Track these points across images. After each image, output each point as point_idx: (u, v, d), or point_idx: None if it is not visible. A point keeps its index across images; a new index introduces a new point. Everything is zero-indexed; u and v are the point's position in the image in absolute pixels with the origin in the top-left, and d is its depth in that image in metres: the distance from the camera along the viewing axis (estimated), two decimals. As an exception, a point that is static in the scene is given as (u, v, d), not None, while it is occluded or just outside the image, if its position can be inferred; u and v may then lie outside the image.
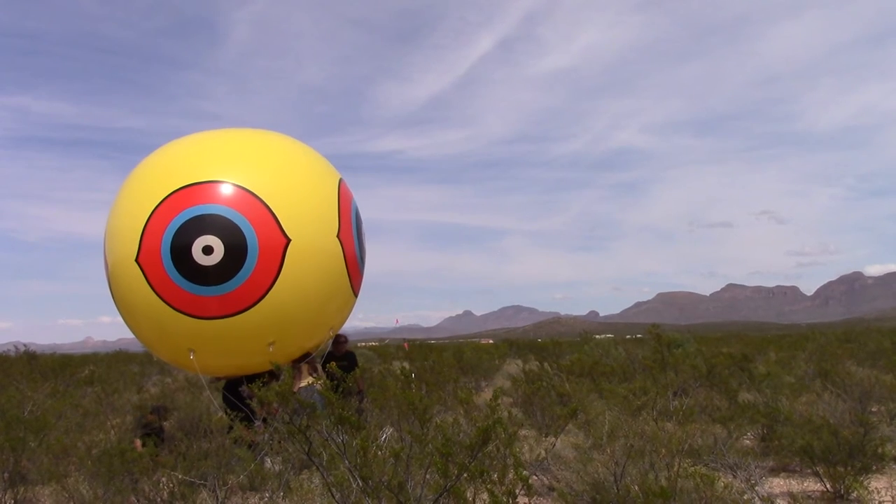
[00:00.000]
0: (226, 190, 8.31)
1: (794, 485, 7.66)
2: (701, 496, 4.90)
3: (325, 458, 4.96)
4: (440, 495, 4.41)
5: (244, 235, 8.10)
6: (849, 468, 6.97)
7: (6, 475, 7.17)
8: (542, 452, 7.66)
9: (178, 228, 8.03)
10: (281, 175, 9.05)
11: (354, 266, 9.52)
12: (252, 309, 8.24)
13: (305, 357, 9.52)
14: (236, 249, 8.05)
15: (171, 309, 8.21)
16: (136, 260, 8.18)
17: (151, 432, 8.61)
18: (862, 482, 6.76)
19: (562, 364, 14.84)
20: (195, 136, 9.52)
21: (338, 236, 9.02)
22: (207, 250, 7.95)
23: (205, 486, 6.49)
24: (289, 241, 8.34)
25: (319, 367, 9.69)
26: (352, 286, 9.60)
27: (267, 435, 7.67)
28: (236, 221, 8.13)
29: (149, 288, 8.18)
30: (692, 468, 5.43)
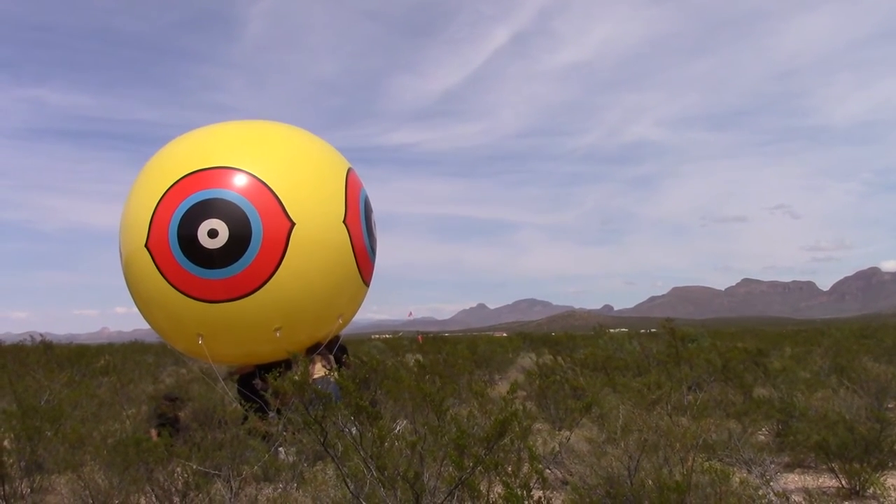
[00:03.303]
0: (231, 175, 8.50)
1: (810, 481, 7.63)
2: (716, 491, 4.87)
3: (339, 449, 4.97)
4: (455, 487, 4.41)
5: (248, 219, 8.27)
6: (865, 464, 6.93)
7: (23, 464, 7.21)
8: (556, 446, 7.65)
9: (185, 213, 8.25)
10: (286, 161, 9.23)
11: (363, 253, 9.52)
12: (258, 292, 8.38)
13: (316, 348, 9.53)
14: (241, 232, 8.22)
15: (178, 293, 8.40)
16: (146, 245, 8.41)
17: (167, 422, 8.67)
18: (878, 478, 6.73)
19: (576, 358, 14.81)
20: (205, 128, 9.72)
21: (344, 222, 9.06)
22: (213, 233, 8.15)
23: (219, 476, 6.52)
24: (293, 224, 8.47)
25: (332, 359, 9.69)
26: (361, 274, 9.60)
27: (281, 426, 7.71)
28: (241, 205, 8.31)
29: (158, 273, 8.40)
30: (707, 463, 5.41)
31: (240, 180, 8.47)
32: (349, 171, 9.82)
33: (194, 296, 8.38)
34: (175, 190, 8.43)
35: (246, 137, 9.49)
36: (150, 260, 8.41)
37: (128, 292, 9.30)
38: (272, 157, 9.10)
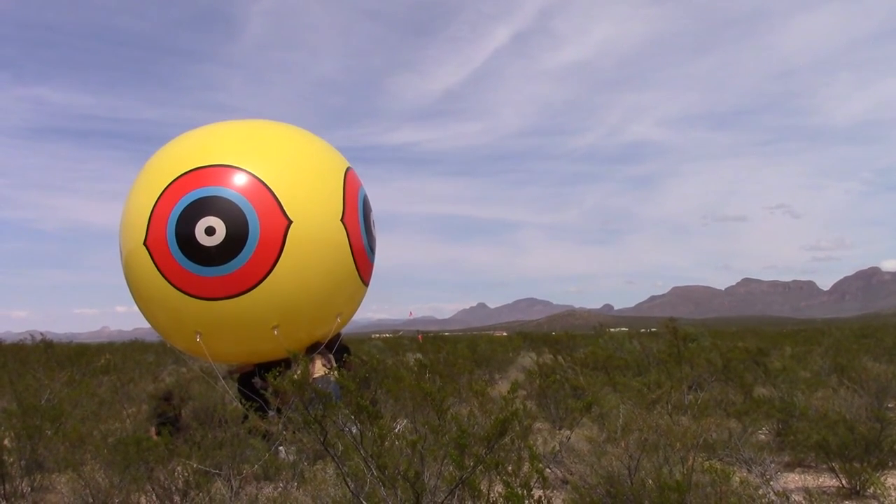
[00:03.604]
0: (228, 173, 8.52)
1: (810, 480, 7.63)
2: (716, 491, 4.87)
3: (340, 449, 4.97)
4: (455, 486, 4.40)
5: (245, 216, 8.30)
6: (865, 464, 6.93)
7: (23, 462, 7.22)
8: (556, 445, 7.65)
9: (182, 211, 8.29)
10: (284, 159, 9.24)
11: (361, 252, 9.53)
12: (255, 289, 8.40)
13: (316, 347, 9.53)
14: (238, 230, 8.25)
15: (176, 291, 8.42)
16: (144, 243, 8.45)
17: (167, 421, 8.68)
18: (878, 478, 6.72)
19: (576, 357, 14.80)
20: (204, 127, 9.74)
21: (342, 220, 9.08)
22: (210, 231, 8.18)
23: (219, 475, 6.52)
24: (290, 222, 8.48)
25: (332, 358, 9.69)
26: (359, 273, 9.61)
27: (281, 425, 7.71)
28: (238, 203, 8.34)
29: (156, 270, 8.43)
30: (707, 462, 5.41)
31: (237, 178, 8.49)
32: (348, 170, 9.83)
33: (192, 293, 8.40)
34: (173, 188, 8.47)
35: (244, 136, 9.50)
36: (149, 258, 8.44)
37: (128, 291, 9.32)
38: (270, 156, 9.12)
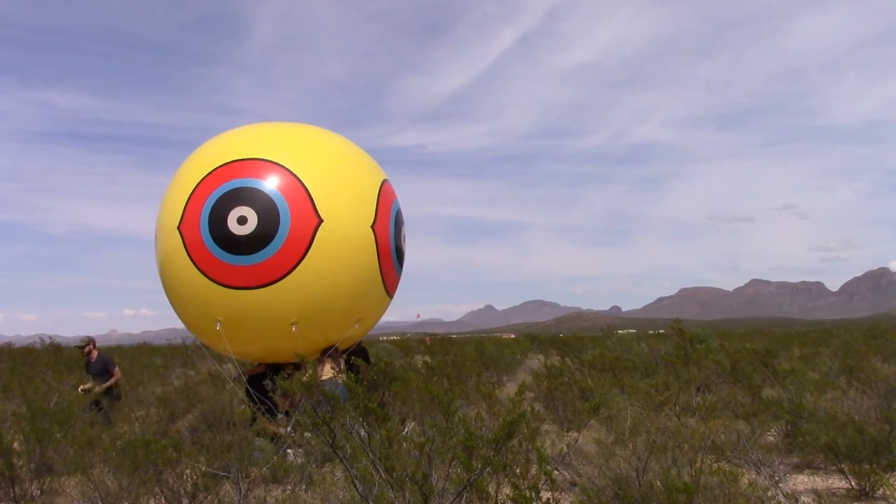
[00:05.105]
0: (265, 167, 8.76)
1: (819, 482, 7.61)
2: (725, 493, 4.86)
3: (348, 451, 4.98)
4: (463, 489, 4.41)
5: (278, 210, 8.51)
6: (874, 465, 6.91)
7: (33, 466, 7.25)
8: (564, 447, 7.64)
9: (218, 199, 8.55)
10: (322, 160, 9.45)
11: (388, 261, 9.64)
12: (278, 283, 8.55)
13: (329, 350, 9.56)
14: (269, 222, 8.46)
15: (202, 276, 8.63)
16: (178, 227, 8.73)
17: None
18: (888, 479, 6.70)
19: (584, 359, 14.80)
20: (246, 126, 10.03)
21: (372, 227, 9.22)
22: (242, 220, 8.42)
23: (228, 478, 6.53)
24: (321, 221, 8.64)
25: (342, 362, 9.70)
26: (384, 281, 9.70)
27: (290, 427, 7.72)
28: (272, 196, 8.56)
29: (186, 255, 8.67)
30: (715, 464, 5.40)
31: (274, 172, 8.74)
32: (385, 181, 10.07)
33: (217, 280, 8.60)
34: (212, 177, 8.76)
35: (284, 135, 9.81)
36: (181, 242, 8.71)
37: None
38: (308, 155, 9.35)
